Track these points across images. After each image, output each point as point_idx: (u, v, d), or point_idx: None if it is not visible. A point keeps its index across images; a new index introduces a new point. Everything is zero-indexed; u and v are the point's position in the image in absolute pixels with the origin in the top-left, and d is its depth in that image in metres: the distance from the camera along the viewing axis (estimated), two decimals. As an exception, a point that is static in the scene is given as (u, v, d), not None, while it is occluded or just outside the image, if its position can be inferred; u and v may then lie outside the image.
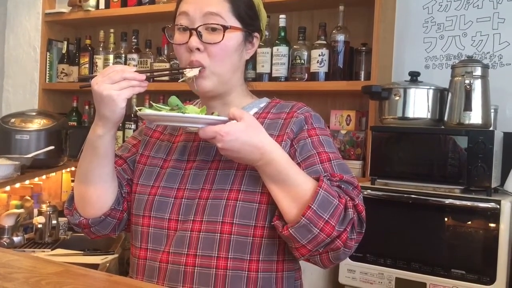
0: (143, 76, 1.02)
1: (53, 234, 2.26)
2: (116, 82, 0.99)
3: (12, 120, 2.37)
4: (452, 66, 1.99)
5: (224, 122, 0.98)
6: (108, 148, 1.08)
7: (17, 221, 2.17)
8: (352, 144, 2.32)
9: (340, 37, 2.35)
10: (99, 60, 2.98)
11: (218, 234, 1.04)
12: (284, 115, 1.13)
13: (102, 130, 1.04)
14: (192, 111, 1.00)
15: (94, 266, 1.87)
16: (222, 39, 1.07)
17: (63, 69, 3.13)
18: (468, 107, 1.87)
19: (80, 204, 1.15)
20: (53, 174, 2.51)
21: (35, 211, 2.33)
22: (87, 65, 3.03)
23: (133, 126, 2.81)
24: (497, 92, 2.02)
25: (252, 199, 1.05)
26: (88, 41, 3.06)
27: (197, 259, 1.04)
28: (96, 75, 1.02)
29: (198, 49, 1.08)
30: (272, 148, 1.00)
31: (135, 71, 1.01)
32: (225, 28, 1.07)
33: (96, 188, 1.11)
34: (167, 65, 2.71)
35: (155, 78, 2.61)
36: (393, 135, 1.99)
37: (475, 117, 1.88)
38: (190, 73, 1.07)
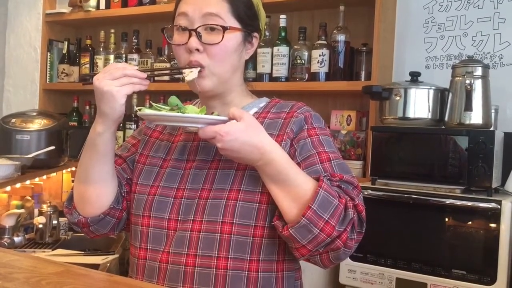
0: (144, 75, 1.03)
1: (53, 234, 2.26)
2: (117, 78, 1.00)
3: (13, 120, 2.37)
4: (452, 66, 1.99)
5: (224, 122, 0.98)
6: (108, 146, 1.08)
7: (18, 221, 2.17)
8: (352, 144, 2.32)
9: (341, 37, 2.34)
10: (99, 60, 2.99)
11: (218, 234, 1.04)
12: (284, 115, 1.13)
13: (102, 127, 1.05)
14: (192, 111, 1.00)
15: (95, 266, 1.87)
16: (222, 39, 1.07)
17: (63, 69, 3.13)
18: (468, 107, 1.87)
19: (80, 202, 1.15)
20: (54, 174, 2.51)
21: (36, 211, 2.33)
22: (87, 65, 3.03)
23: (133, 126, 2.81)
24: (497, 92, 2.01)
25: (252, 199, 1.05)
26: (88, 41, 3.07)
27: (197, 259, 1.04)
28: (98, 73, 1.03)
29: (197, 49, 1.08)
30: (272, 148, 0.99)
31: (137, 69, 1.02)
32: (224, 28, 1.07)
33: (95, 187, 1.11)
34: (167, 66, 2.71)
35: (155, 78, 2.61)
36: (393, 135, 1.99)
37: (475, 117, 1.88)
38: (188, 76, 1.07)
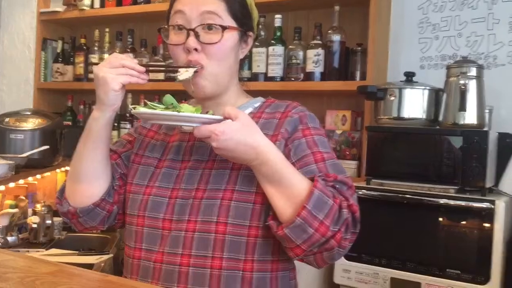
0: (143, 69, 1.04)
1: (47, 234, 2.25)
2: (115, 67, 1.02)
3: (7, 119, 2.36)
4: (447, 66, 2.00)
5: (219, 121, 0.98)
6: (103, 132, 1.08)
7: (11, 221, 2.16)
8: (347, 144, 2.33)
9: (336, 37, 2.35)
10: (94, 59, 2.97)
11: (213, 234, 1.03)
12: (279, 115, 1.13)
13: (97, 113, 1.06)
14: (187, 110, 1.00)
15: (89, 266, 1.87)
16: (221, 39, 1.07)
17: (58, 68, 3.11)
18: (463, 107, 1.87)
19: (71, 192, 1.14)
20: (48, 173, 2.50)
21: (30, 211, 2.32)
22: (82, 65, 3.02)
23: (128, 126, 2.81)
24: (491, 93, 2.02)
25: (247, 199, 1.05)
26: (83, 40, 3.06)
27: (191, 259, 1.04)
28: None
29: (195, 49, 1.07)
30: (267, 147, 0.99)
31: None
32: (223, 28, 1.07)
33: (87, 176, 1.11)
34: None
35: (150, 78, 2.60)
36: (388, 135, 1.99)
37: (469, 117, 1.88)
38: (182, 76, 1.07)
